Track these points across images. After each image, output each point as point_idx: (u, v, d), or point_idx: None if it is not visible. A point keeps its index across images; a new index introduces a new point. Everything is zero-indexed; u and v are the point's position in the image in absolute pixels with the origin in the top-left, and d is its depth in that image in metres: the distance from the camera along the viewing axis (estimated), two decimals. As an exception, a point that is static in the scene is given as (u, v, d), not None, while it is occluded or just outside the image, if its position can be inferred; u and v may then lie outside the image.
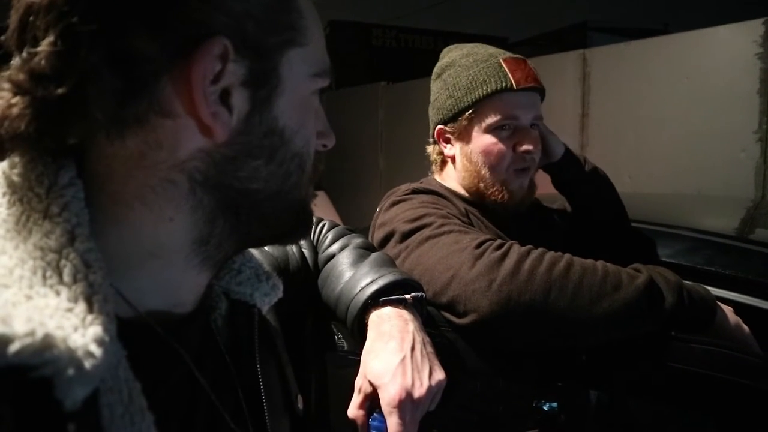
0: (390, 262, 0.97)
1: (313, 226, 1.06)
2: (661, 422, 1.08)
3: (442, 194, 1.31)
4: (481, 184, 1.31)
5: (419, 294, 0.90)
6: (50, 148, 0.51)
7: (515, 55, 1.35)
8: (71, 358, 0.40)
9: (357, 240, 1.02)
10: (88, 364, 0.41)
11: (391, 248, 1.17)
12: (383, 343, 0.82)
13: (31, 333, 0.39)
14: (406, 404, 0.76)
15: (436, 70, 1.43)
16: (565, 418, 1.06)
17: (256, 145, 0.53)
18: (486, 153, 1.30)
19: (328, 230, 1.05)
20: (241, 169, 0.53)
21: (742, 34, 2.79)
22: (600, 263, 1.03)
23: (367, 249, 1.00)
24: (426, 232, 1.13)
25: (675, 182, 2.77)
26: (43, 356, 0.39)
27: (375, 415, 0.77)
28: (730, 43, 2.84)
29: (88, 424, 0.42)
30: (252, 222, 0.56)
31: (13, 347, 0.38)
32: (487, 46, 1.40)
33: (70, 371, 0.40)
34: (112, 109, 0.48)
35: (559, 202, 1.58)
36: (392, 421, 0.75)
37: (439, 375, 0.81)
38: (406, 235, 1.15)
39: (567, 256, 1.04)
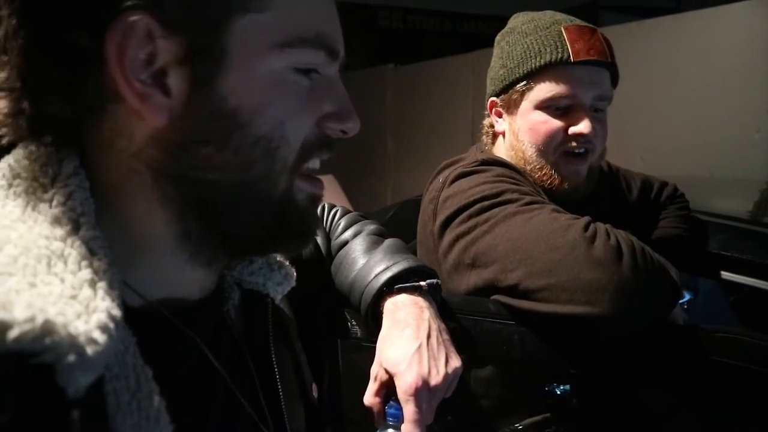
0: (404, 249, 0.97)
1: (326, 213, 1.05)
2: (674, 410, 1.07)
3: (515, 168, 1.20)
4: (528, 167, 1.21)
5: (434, 281, 0.89)
6: (52, 140, 0.51)
7: (584, 24, 1.21)
8: (72, 344, 0.40)
9: (370, 226, 1.01)
10: (90, 350, 0.41)
11: (461, 222, 1.08)
12: (399, 330, 0.81)
13: (31, 319, 0.39)
14: (423, 392, 0.76)
15: (497, 37, 1.32)
16: (578, 402, 1.06)
17: (202, 130, 0.50)
18: (533, 131, 1.19)
19: (341, 217, 1.04)
20: (193, 156, 0.50)
21: (757, 10, 2.74)
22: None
23: (380, 236, 0.99)
24: (512, 207, 1.04)
25: (687, 164, 2.73)
26: (43, 342, 0.39)
27: (391, 402, 0.77)
28: (744, 20, 2.78)
29: (92, 411, 0.42)
30: (223, 219, 0.53)
31: (12, 333, 0.38)
32: (560, 13, 1.25)
33: (71, 357, 0.40)
34: (71, 100, 0.49)
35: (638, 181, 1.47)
36: (409, 409, 0.75)
37: (456, 362, 0.80)
38: (486, 209, 1.05)
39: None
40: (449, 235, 1.11)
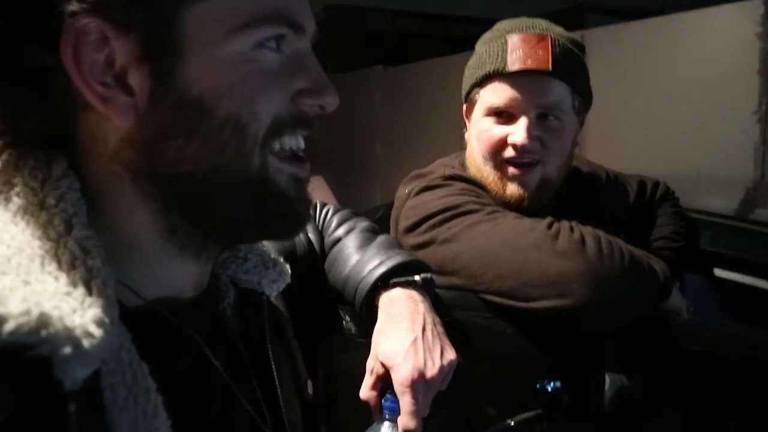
0: (396, 244, 0.97)
1: (318, 211, 1.05)
2: (665, 403, 1.08)
3: (478, 184, 1.20)
4: (480, 175, 1.21)
5: (428, 275, 0.90)
6: (40, 144, 0.51)
7: (533, 32, 1.17)
8: (68, 336, 0.40)
9: (363, 223, 1.02)
10: (86, 343, 0.41)
11: (423, 233, 1.10)
12: (394, 324, 0.82)
13: (27, 312, 0.39)
14: (419, 384, 0.76)
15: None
16: (569, 399, 1.07)
17: (168, 123, 0.50)
18: (478, 138, 1.20)
19: (333, 214, 1.04)
20: (164, 152, 0.50)
21: (742, 13, 2.77)
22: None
23: (373, 232, 1.00)
24: (475, 216, 1.06)
25: (674, 163, 2.76)
26: (39, 335, 0.39)
27: (387, 396, 0.77)
28: (729, 22, 2.82)
29: (89, 404, 0.42)
30: (206, 209, 0.53)
31: (8, 326, 0.38)
32: (529, 20, 1.23)
33: (67, 350, 0.40)
34: (47, 116, 0.50)
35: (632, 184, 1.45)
36: (405, 401, 0.75)
37: (451, 355, 0.81)
38: (448, 219, 1.08)
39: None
40: (410, 242, 1.13)
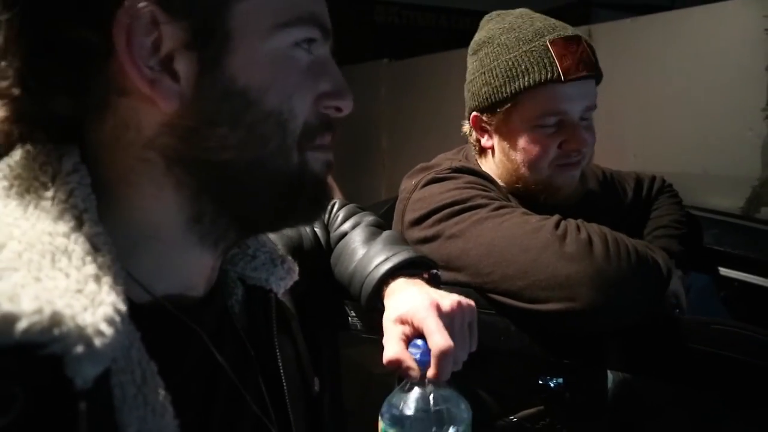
0: (402, 240, 0.97)
1: None
2: (668, 401, 1.08)
3: (486, 177, 1.20)
4: (519, 185, 1.19)
5: (435, 272, 0.90)
6: (52, 138, 0.52)
7: (567, 34, 1.15)
8: (80, 335, 0.40)
9: (368, 218, 1.02)
10: (98, 342, 0.41)
11: (429, 226, 1.09)
12: (404, 294, 0.80)
13: (39, 311, 0.40)
14: (453, 313, 0.73)
15: (472, 44, 1.27)
16: (571, 395, 1.07)
17: (214, 111, 0.51)
18: (525, 151, 1.16)
19: (339, 209, 1.05)
20: (208, 139, 0.51)
21: (751, 8, 2.75)
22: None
23: (378, 227, 1.00)
24: (482, 212, 1.05)
25: (680, 161, 2.74)
26: (51, 333, 0.40)
27: (412, 350, 0.70)
28: (738, 18, 2.79)
29: (99, 403, 0.43)
30: (240, 197, 0.54)
31: (21, 325, 0.39)
32: (534, 16, 1.20)
33: (80, 348, 0.40)
34: (78, 98, 0.50)
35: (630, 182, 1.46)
36: (430, 322, 0.70)
37: (470, 301, 0.78)
38: (456, 213, 1.07)
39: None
40: (416, 235, 1.13)
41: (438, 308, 0.73)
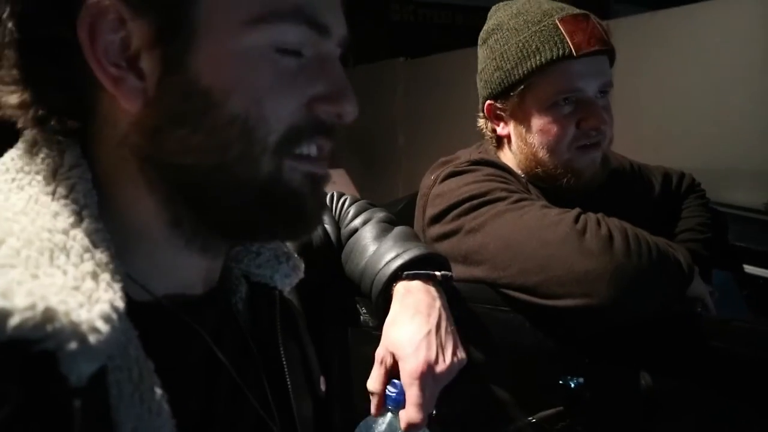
0: (414, 236, 0.96)
1: (335, 201, 1.05)
2: (690, 402, 1.06)
3: (506, 168, 1.19)
4: (539, 169, 1.17)
5: (448, 273, 0.89)
6: (54, 132, 0.52)
7: (576, 11, 1.14)
8: (74, 332, 0.40)
9: (379, 214, 1.01)
10: (92, 339, 0.40)
11: (449, 222, 1.08)
12: (408, 316, 0.80)
13: (31, 306, 0.39)
14: (428, 378, 0.74)
15: (481, 34, 1.25)
16: (591, 396, 1.05)
17: (176, 111, 0.49)
18: (543, 133, 1.14)
19: (350, 204, 1.04)
20: (168, 139, 0.49)
21: (774, 1, 2.70)
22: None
23: (390, 223, 0.99)
24: (501, 205, 1.04)
25: (702, 155, 2.70)
26: (44, 330, 0.39)
27: (390, 388, 0.75)
28: (761, 10, 2.74)
29: (95, 401, 0.42)
30: (208, 204, 0.51)
31: (13, 320, 0.38)
32: (543, 0, 1.19)
33: (73, 345, 0.39)
34: (68, 93, 0.50)
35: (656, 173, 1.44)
36: (412, 393, 0.73)
37: (462, 354, 0.79)
38: (475, 207, 1.05)
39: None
40: (436, 231, 1.12)
41: (431, 370, 0.75)
